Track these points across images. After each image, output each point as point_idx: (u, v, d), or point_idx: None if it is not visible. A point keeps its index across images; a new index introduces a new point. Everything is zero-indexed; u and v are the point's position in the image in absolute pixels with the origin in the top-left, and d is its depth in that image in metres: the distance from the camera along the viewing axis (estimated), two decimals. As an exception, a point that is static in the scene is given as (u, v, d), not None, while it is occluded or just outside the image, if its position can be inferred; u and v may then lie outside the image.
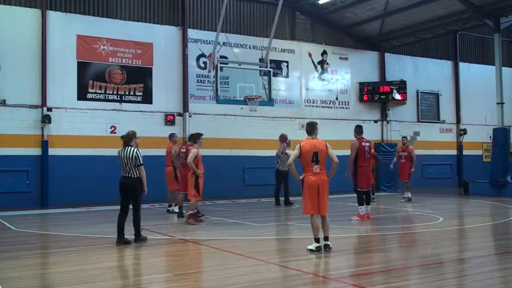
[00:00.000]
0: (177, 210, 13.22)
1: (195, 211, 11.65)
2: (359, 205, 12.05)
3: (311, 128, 8.30)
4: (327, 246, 8.03)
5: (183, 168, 12.54)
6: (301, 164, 8.17)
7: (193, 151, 11.41)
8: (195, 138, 11.92)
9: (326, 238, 8.09)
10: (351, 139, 12.55)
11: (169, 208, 14.03)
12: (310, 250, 8.02)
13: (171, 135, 14.39)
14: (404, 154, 16.91)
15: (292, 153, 8.25)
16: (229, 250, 8.42)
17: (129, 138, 9.18)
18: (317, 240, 8.00)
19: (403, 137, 17.92)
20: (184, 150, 12.60)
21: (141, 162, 8.97)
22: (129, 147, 9.05)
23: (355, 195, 12.26)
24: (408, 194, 16.73)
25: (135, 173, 8.97)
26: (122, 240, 8.91)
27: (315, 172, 8.04)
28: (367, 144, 12.42)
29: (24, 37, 16.55)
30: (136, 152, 8.97)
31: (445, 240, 9.57)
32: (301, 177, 8.16)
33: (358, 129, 12.53)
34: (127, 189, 9.02)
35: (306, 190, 8.09)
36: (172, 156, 13.41)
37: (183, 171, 12.57)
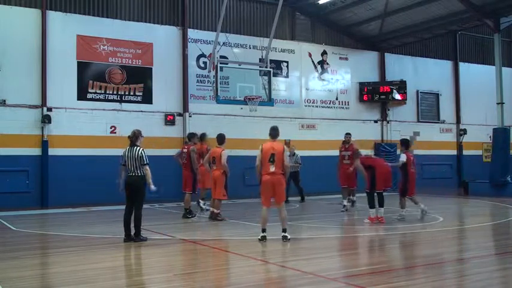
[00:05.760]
0: (205, 207, 13.44)
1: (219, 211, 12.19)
2: (370, 208, 11.50)
3: (275, 132, 9.00)
4: (284, 238, 8.73)
5: (184, 168, 12.95)
6: (261, 163, 8.88)
7: (224, 152, 11.78)
8: (222, 139, 12.05)
9: (284, 230, 8.81)
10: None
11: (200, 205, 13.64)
12: (259, 240, 8.79)
13: (192, 136, 13.29)
14: (348, 154, 13.72)
15: (257, 154, 8.91)
16: (229, 250, 8.42)
17: (135, 138, 9.34)
18: (263, 230, 8.82)
19: (346, 134, 14.35)
20: (185, 150, 13.00)
21: (147, 162, 9.17)
22: (136, 147, 9.23)
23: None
24: (350, 200, 14.19)
25: (139, 172, 9.15)
26: (129, 238, 9.10)
27: (271, 171, 8.72)
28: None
29: (24, 37, 16.55)
30: (141, 152, 9.17)
31: (445, 240, 9.57)
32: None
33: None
34: (132, 187, 9.18)
35: (262, 187, 8.86)
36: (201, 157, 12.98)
37: (184, 172, 12.87)
